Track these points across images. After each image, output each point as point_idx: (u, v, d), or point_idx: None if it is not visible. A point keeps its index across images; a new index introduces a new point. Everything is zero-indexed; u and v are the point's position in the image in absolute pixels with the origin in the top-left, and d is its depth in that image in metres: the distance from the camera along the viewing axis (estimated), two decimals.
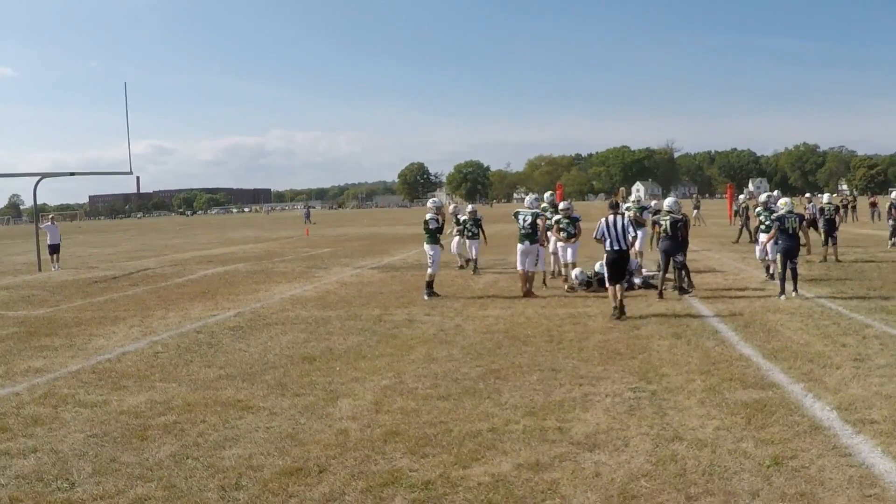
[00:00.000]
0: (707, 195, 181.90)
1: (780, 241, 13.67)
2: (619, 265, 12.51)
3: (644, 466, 5.60)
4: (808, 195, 31.02)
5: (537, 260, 14.98)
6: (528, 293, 14.66)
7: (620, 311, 12.03)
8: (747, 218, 28.35)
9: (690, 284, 14.75)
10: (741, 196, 34.25)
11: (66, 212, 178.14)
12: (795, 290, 13.56)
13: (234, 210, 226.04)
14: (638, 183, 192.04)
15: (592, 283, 15.34)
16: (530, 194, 17.19)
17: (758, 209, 17.28)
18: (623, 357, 9.25)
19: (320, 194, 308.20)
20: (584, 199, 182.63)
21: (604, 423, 6.65)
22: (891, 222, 24.65)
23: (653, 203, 26.39)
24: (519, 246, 14.83)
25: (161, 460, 6.05)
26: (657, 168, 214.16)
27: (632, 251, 14.50)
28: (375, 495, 5.26)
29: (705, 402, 7.19)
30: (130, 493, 5.41)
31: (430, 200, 17.14)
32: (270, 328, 12.11)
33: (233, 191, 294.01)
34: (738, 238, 27.97)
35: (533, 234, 14.77)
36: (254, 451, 6.20)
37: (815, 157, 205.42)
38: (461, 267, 20.53)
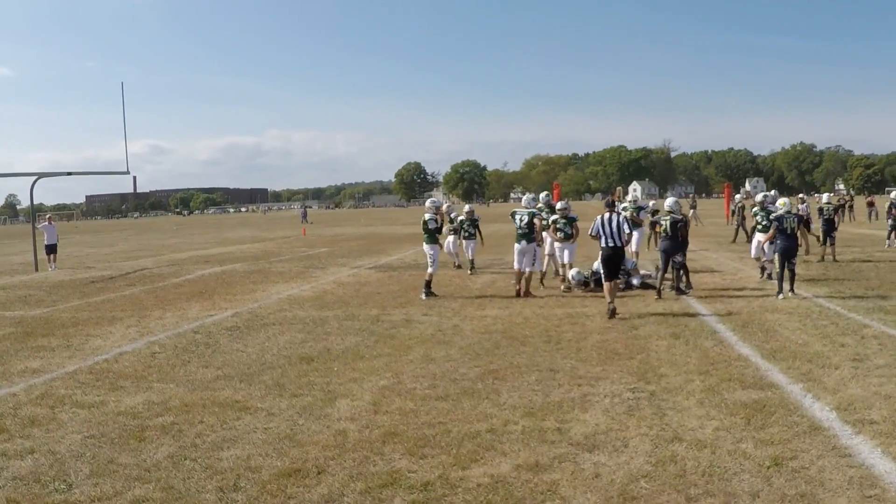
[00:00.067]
0: (704, 195, 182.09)
1: (778, 241, 13.69)
2: (614, 262, 12.56)
3: (644, 467, 5.59)
4: (801, 195, 31.04)
5: (534, 260, 14.97)
6: (525, 293, 14.65)
7: (612, 312, 12.05)
8: (743, 218, 28.38)
9: (689, 285, 14.74)
10: (737, 196, 34.29)
11: (63, 211, 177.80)
12: (792, 289, 13.58)
13: (231, 210, 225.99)
14: (635, 182, 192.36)
15: (590, 283, 15.34)
16: (527, 194, 17.17)
17: (754, 209, 17.28)
18: (621, 357, 9.23)
19: (317, 194, 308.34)
20: (581, 199, 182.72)
21: (603, 423, 6.63)
22: (890, 221, 24.67)
23: (651, 203, 26.45)
24: (516, 245, 14.82)
25: (159, 461, 6.02)
26: (654, 167, 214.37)
27: (628, 251, 14.50)
28: (374, 496, 5.24)
29: (704, 402, 7.18)
30: (128, 495, 5.39)
31: (429, 200, 17.13)
32: (268, 328, 12.08)
33: (230, 190, 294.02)
34: (735, 238, 28.00)
35: (530, 234, 14.76)
36: (252, 452, 6.18)
37: (811, 156, 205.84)
38: (458, 266, 20.50)
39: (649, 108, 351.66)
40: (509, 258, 17.01)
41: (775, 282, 13.88)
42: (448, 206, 22.66)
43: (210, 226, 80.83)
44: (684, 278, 14.73)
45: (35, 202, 28.63)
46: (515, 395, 7.66)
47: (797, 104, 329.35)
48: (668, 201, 15.05)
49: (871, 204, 44.44)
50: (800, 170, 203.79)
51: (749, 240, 20.61)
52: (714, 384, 7.79)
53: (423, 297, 14.88)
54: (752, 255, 16.91)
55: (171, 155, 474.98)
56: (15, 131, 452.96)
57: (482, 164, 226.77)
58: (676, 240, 14.38)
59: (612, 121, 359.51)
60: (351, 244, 35.06)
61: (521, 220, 14.87)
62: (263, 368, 9.21)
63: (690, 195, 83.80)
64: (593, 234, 12.79)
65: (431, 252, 15.35)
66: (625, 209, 18.90)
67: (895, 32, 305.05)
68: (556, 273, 16.80)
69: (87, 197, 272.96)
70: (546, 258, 16.52)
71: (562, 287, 15.60)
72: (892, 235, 24.35)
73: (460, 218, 20.47)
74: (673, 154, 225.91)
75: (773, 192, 20.52)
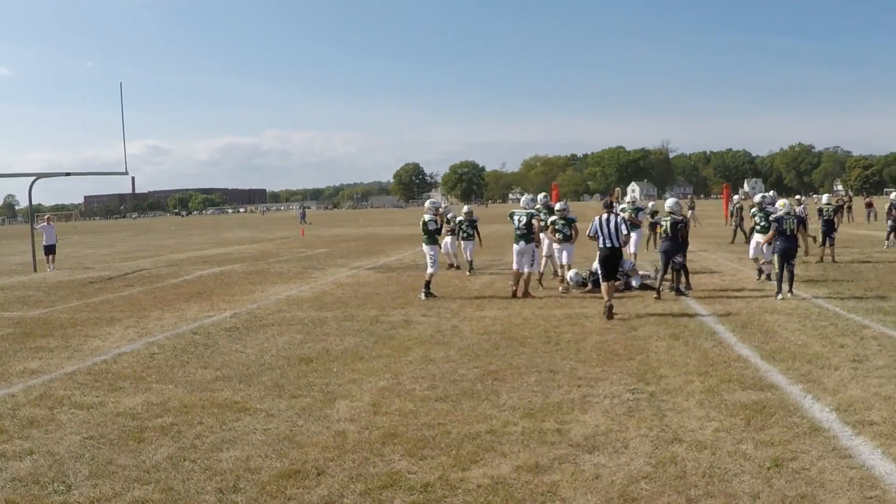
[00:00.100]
0: (702, 195, 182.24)
1: (777, 242, 13.70)
2: (612, 263, 12.63)
3: (644, 468, 5.58)
4: (798, 197, 31.03)
5: (533, 260, 14.96)
6: (525, 294, 14.64)
7: (609, 313, 12.07)
8: (741, 218, 28.39)
9: (688, 286, 14.74)
10: (735, 196, 34.28)
11: (62, 212, 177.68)
12: (791, 290, 13.59)
13: (230, 210, 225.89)
14: (633, 183, 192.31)
15: (587, 284, 15.34)
16: (526, 195, 17.17)
17: (753, 210, 17.29)
18: (621, 358, 9.22)
19: (316, 195, 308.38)
20: (579, 200, 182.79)
21: (603, 424, 6.62)
22: (890, 222, 24.68)
23: (650, 204, 26.45)
24: (515, 246, 14.82)
25: (158, 463, 6.01)
26: (652, 168, 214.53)
27: (625, 252, 14.50)
28: (374, 498, 5.23)
29: (704, 403, 7.18)
30: (127, 496, 5.37)
31: (428, 201, 17.10)
32: (267, 329, 12.07)
33: (228, 191, 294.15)
34: (734, 238, 28.01)
35: (528, 235, 14.77)
36: (251, 453, 6.17)
37: (810, 157, 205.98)
38: (456, 267, 20.49)
39: (648, 108, 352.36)
40: (508, 259, 17.02)
41: (774, 282, 13.89)
42: (444, 207, 22.65)
43: (208, 226, 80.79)
44: (684, 279, 14.74)
45: (33, 203, 28.62)
46: (515, 396, 7.65)
47: (796, 105, 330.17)
48: (669, 202, 15.06)
49: (869, 205, 44.42)
50: (798, 171, 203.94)
51: (747, 240, 20.62)
52: (714, 385, 7.78)
53: (423, 297, 14.88)
54: (751, 256, 16.92)
55: (169, 155, 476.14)
56: (14, 131, 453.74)
57: (481, 165, 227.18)
58: (677, 240, 14.40)
59: (610, 121, 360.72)
60: (349, 245, 35.05)
61: (519, 221, 14.88)
62: (262, 369, 9.19)
63: (689, 196, 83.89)
64: (591, 234, 12.85)
65: (431, 253, 15.35)
66: (623, 210, 18.91)
67: (894, 33, 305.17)
68: (555, 274, 16.80)
69: (85, 197, 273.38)
70: (544, 259, 16.51)
71: (560, 288, 15.60)
72: (892, 236, 24.36)
73: (459, 219, 20.46)
74: (671, 155, 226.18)
75: (771, 192, 20.51)
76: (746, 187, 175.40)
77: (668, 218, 14.57)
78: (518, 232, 14.83)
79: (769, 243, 14.27)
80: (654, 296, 14.05)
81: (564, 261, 15.67)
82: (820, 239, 20.53)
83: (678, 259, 14.42)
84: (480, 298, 14.87)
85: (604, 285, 12.50)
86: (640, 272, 16.25)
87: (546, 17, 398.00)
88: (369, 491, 5.33)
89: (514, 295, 14.69)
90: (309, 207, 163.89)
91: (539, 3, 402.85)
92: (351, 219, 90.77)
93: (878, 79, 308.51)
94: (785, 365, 8.57)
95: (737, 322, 11.40)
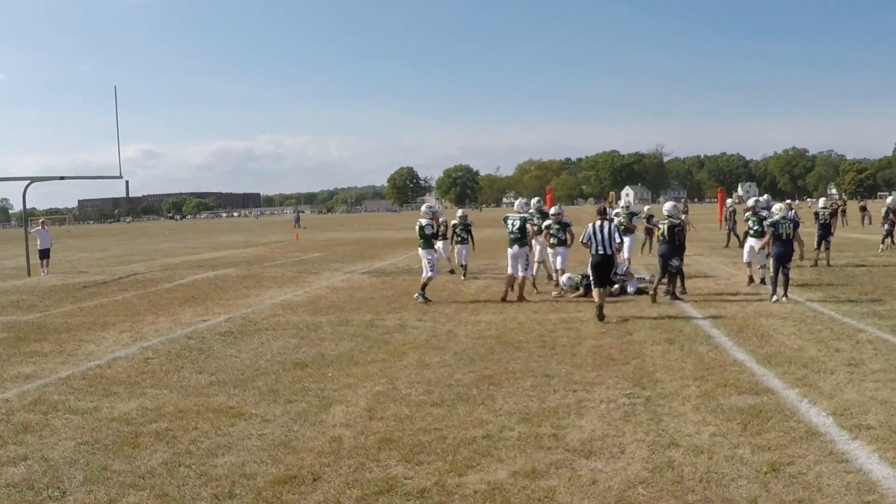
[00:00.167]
0: (696, 199, 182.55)
1: (773, 246, 13.74)
2: (604, 269, 12.69)
3: (641, 473, 5.57)
4: (788, 201, 31.11)
5: (527, 264, 14.96)
6: (519, 298, 14.63)
7: (600, 313, 12.19)
8: (734, 222, 28.44)
9: (683, 290, 14.77)
10: (728, 200, 34.33)
11: (55, 216, 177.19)
12: (786, 294, 13.61)
13: (224, 214, 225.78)
14: (627, 187, 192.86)
15: (580, 288, 15.33)
16: (519, 199, 17.17)
17: (746, 214, 17.33)
18: (616, 363, 9.22)
19: (310, 199, 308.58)
20: (573, 204, 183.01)
21: (599, 429, 6.61)
22: (886, 226, 24.73)
23: (645, 208, 26.51)
24: (509, 250, 14.84)
25: (153, 468, 5.98)
26: (646, 172, 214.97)
27: (620, 256, 14.52)
28: (370, 503, 5.21)
29: (700, 407, 7.17)
30: (122, 502, 5.34)
31: (425, 206, 16.99)
32: (261, 334, 12.04)
33: (222, 195, 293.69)
34: (728, 242, 28.05)
35: (522, 239, 14.79)
36: (247, 458, 6.14)
37: (804, 161, 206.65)
38: (450, 271, 20.47)
39: (642, 112, 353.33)
40: (502, 263, 17.01)
41: (769, 286, 13.91)
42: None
43: (203, 230, 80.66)
44: (679, 283, 14.76)
45: (27, 207, 28.53)
46: (511, 400, 7.64)
47: (790, 109, 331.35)
48: (667, 205, 15.16)
49: (863, 208, 44.48)
50: (792, 174, 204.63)
51: (741, 244, 20.65)
52: (710, 389, 7.78)
53: (420, 298, 14.85)
54: (745, 260, 16.94)
55: (163, 159, 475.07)
56: (8, 135, 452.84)
57: (475, 169, 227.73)
58: (674, 244, 14.44)
59: (604, 125, 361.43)
60: (344, 249, 35.03)
61: (512, 225, 14.90)
62: (257, 374, 9.16)
63: (682, 200, 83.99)
64: (584, 241, 12.91)
65: (429, 257, 15.31)
66: (618, 215, 18.94)
67: (887, 37, 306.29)
68: (549, 278, 16.81)
69: (79, 201, 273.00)
70: (536, 265, 16.50)
71: (553, 293, 15.60)
72: (888, 240, 24.41)
73: (453, 222, 20.42)
74: (665, 159, 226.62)
75: (765, 196, 20.57)
76: (740, 191, 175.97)
77: (666, 221, 14.61)
78: (512, 236, 14.84)
79: (765, 248, 14.32)
80: (650, 299, 14.05)
81: (559, 265, 15.68)
82: (815, 242, 20.54)
83: (675, 262, 14.43)
84: (475, 303, 14.86)
85: (595, 290, 12.58)
86: (636, 275, 16.26)
87: (540, 21, 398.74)
88: (365, 497, 5.30)
89: (504, 299, 14.69)
90: (303, 211, 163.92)
91: (533, 7, 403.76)
92: (345, 223, 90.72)
93: (872, 83, 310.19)
94: (781, 369, 8.57)
95: (732, 326, 11.40)
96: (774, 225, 13.84)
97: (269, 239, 49.59)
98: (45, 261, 25.87)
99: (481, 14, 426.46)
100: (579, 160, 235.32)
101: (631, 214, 20.51)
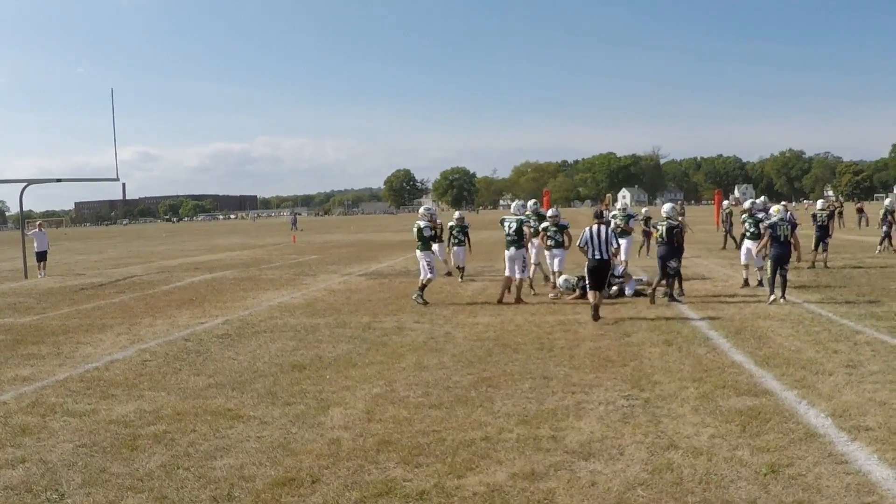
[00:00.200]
0: (693, 202, 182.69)
1: (771, 248, 13.77)
2: (600, 274, 12.74)
3: (640, 475, 5.57)
4: (783, 203, 31.13)
5: (524, 266, 14.96)
6: (517, 300, 14.63)
7: (595, 314, 12.31)
8: (731, 224, 28.46)
9: (681, 292, 14.78)
10: (725, 202, 34.34)
11: (52, 218, 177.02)
12: (784, 296, 13.62)
13: (221, 217, 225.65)
14: (624, 189, 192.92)
15: (576, 290, 15.33)
16: (516, 201, 17.17)
17: (743, 216, 17.34)
18: (615, 364, 9.21)
19: (306, 201, 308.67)
20: (570, 206, 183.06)
21: (598, 431, 6.61)
22: (884, 228, 24.76)
23: (643, 210, 26.52)
24: (506, 252, 14.85)
25: (151, 471, 5.96)
26: (643, 174, 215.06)
27: (616, 259, 14.54)
28: None
29: (699, 409, 7.17)
30: None
31: (423, 208, 16.92)
32: (259, 336, 12.03)
33: (219, 197, 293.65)
34: (725, 244, 28.07)
35: (518, 241, 14.80)
36: (245, 461, 6.13)
37: (800, 163, 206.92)
38: (447, 273, 20.45)
39: (638, 114, 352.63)
40: (499, 265, 17.01)
41: (765, 288, 13.93)
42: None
43: (200, 233, 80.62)
44: (677, 285, 14.78)
45: (24, 209, 28.51)
46: (509, 402, 7.63)
47: (786, 111, 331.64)
48: (666, 207, 15.21)
49: (860, 210, 44.55)
50: (789, 176, 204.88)
51: (738, 246, 20.67)
52: (708, 391, 7.78)
53: (420, 299, 14.84)
54: (742, 262, 16.97)
55: (160, 162, 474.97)
56: (4, 138, 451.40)
57: (472, 171, 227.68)
58: (672, 245, 14.47)
59: (601, 128, 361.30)
60: (341, 251, 35.01)
61: (509, 227, 14.91)
62: (255, 376, 9.15)
63: (679, 202, 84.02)
64: (581, 245, 12.93)
65: (427, 259, 15.29)
66: (614, 217, 18.96)
67: (883, 38, 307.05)
68: (546, 280, 16.81)
69: (76, 204, 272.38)
70: (532, 267, 16.50)
71: (550, 295, 15.60)
72: (885, 242, 24.44)
73: (450, 224, 20.41)
74: (662, 161, 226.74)
75: (762, 198, 20.57)
76: (737, 193, 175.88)
77: (665, 223, 14.63)
78: (509, 238, 14.84)
79: (762, 250, 14.35)
80: (649, 300, 14.07)
81: (556, 267, 15.69)
82: (813, 243, 20.56)
83: (673, 264, 14.44)
84: (473, 305, 14.85)
85: (591, 294, 12.68)
86: (633, 277, 16.27)
87: (536, 23, 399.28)
88: (364, 499, 5.30)
89: (501, 301, 14.69)
90: (300, 214, 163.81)
91: (529, 9, 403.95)
92: (342, 225, 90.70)
93: (869, 85, 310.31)
94: (779, 371, 8.57)
95: (730, 328, 11.41)
96: (772, 227, 13.87)
97: (266, 241, 49.57)
98: (41, 263, 25.81)
99: (478, 17, 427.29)
100: (576, 162, 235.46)
101: (628, 217, 20.52)
